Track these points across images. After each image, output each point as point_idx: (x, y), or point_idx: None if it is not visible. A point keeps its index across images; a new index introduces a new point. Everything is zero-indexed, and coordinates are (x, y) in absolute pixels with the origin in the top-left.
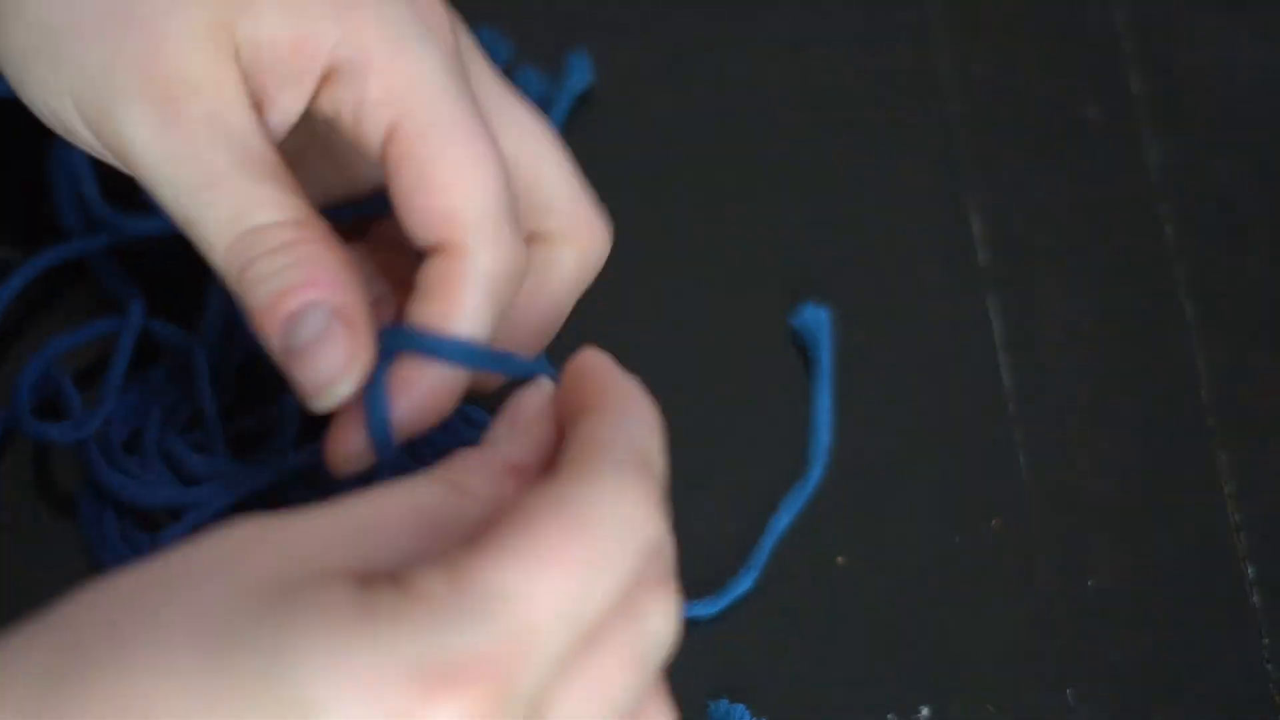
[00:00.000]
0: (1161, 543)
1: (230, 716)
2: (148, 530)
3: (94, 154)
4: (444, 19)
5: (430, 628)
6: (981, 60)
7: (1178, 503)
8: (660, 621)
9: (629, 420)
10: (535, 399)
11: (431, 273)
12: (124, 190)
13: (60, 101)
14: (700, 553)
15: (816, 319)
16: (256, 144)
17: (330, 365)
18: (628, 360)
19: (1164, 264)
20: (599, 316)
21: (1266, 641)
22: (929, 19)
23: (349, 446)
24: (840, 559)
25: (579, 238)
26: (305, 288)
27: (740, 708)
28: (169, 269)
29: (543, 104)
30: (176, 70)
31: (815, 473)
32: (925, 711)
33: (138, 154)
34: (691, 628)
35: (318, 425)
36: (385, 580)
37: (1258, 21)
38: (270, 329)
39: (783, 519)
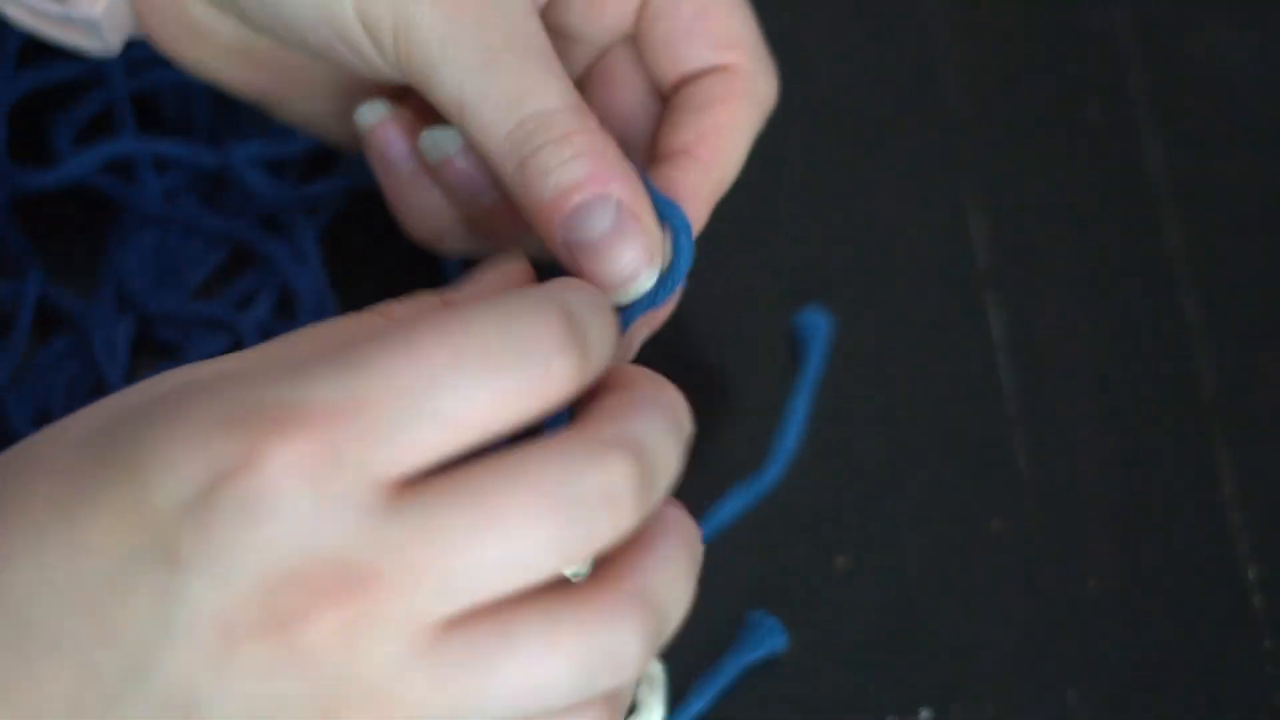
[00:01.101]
0: (1162, 544)
1: (79, 494)
2: None
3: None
4: None
5: (266, 384)
6: (981, 60)
7: (1178, 504)
8: (603, 470)
9: (574, 289)
10: (503, 260)
11: (709, 88)
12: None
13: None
14: None
15: (814, 323)
16: (533, 27)
17: (630, 261)
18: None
19: (1164, 264)
20: None
21: (1267, 644)
22: (929, 18)
23: None
24: (840, 559)
25: (758, 77)
26: (592, 181)
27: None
28: (65, 230)
29: None
30: None
31: (772, 472)
32: (925, 713)
33: (421, 38)
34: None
35: None
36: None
37: (1258, 21)
38: (553, 222)
39: (726, 509)
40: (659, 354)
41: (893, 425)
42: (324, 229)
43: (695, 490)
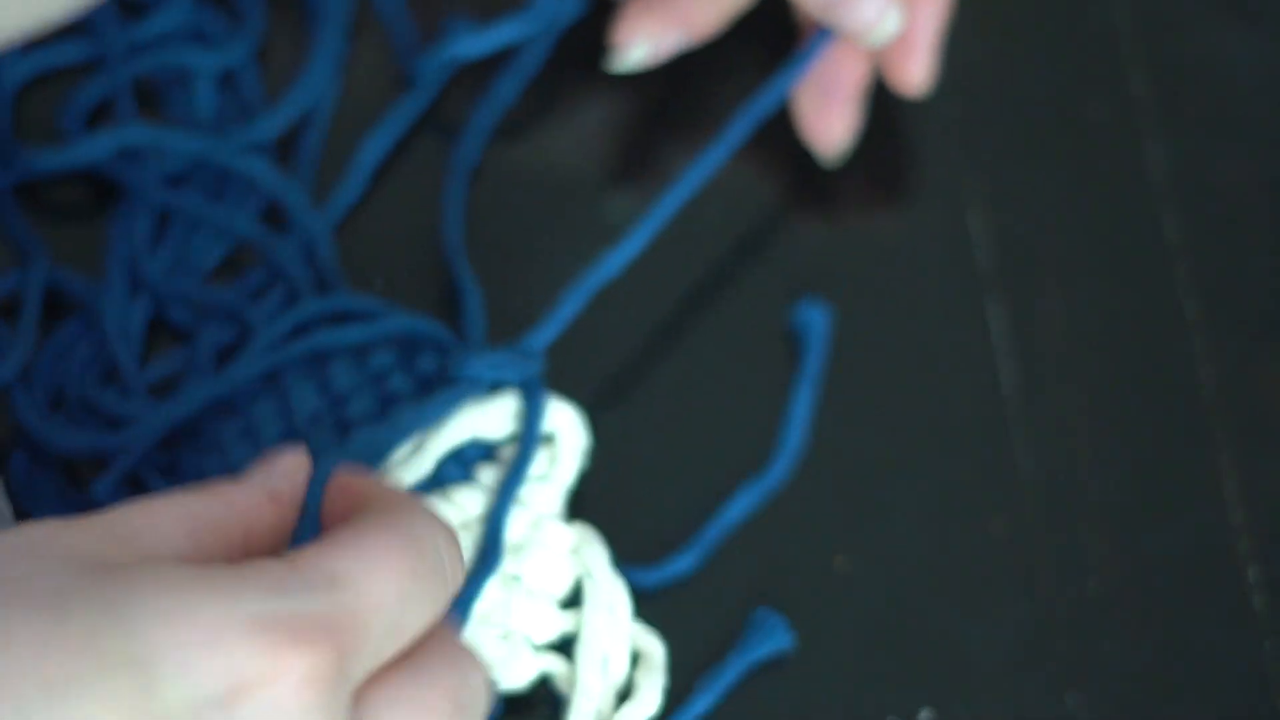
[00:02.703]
0: (1162, 545)
1: (65, 669)
2: (77, 488)
3: None
4: None
5: (270, 588)
6: (981, 59)
7: (1178, 504)
8: (477, 674)
9: (403, 511)
10: (293, 460)
11: None
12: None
13: None
14: (668, 538)
15: (813, 318)
16: None
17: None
18: (628, 358)
19: (1164, 264)
20: (602, 313)
21: (1268, 644)
22: None
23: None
24: (840, 559)
25: None
26: None
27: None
28: (73, 211)
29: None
30: None
31: (779, 467)
32: (925, 714)
33: None
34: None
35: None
36: (217, 563)
37: (1259, 21)
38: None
39: (735, 508)
40: (660, 355)
41: (893, 425)
42: (337, 222)
43: (701, 490)
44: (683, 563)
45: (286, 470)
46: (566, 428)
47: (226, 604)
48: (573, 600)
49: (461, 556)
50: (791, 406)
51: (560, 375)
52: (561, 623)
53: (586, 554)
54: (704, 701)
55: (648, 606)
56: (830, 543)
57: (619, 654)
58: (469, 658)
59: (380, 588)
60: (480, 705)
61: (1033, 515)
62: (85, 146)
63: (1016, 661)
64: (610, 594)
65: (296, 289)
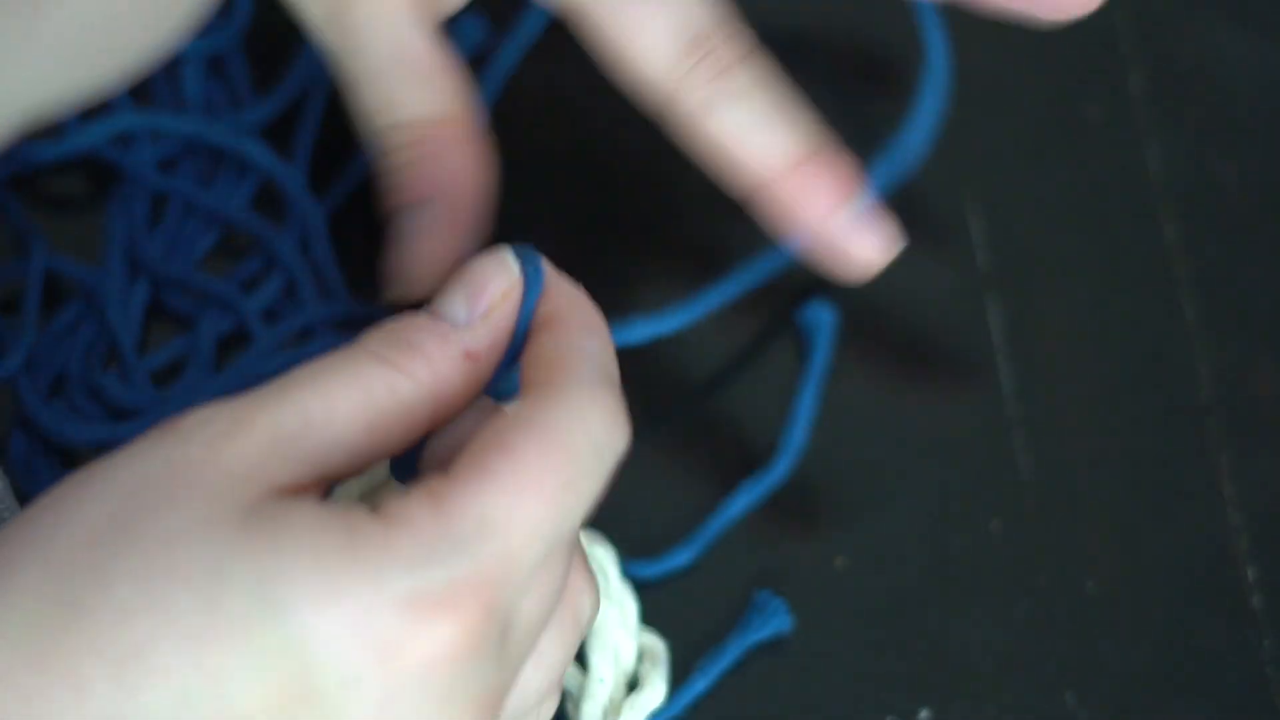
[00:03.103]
0: (1161, 545)
1: (224, 658)
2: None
3: None
4: None
5: (417, 558)
6: (981, 60)
7: (1177, 504)
8: (589, 597)
9: (588, 335)
10: (501, 281)
11: None
12: None
13: None
14: (671, 534)
15: (819, 317)
16: (414, 42)
17: (431, 257)
18: (633, 356)
19: (1164, 264)
20: (606, 312)
21: (1267, 644)
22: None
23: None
24: (840, 559)
25: None
26: (422, 185)
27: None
28: (69, 202)
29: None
30: None
31: (781, 465)
32: (925, 714)
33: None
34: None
35: (230, 351)
36: (367, 514)
37: (1258, 21)
38: (394, 210)
39: (736, 504)
40: (665, 352)
41: (893, 425)
42: (335, 212)
43: (705, 487)
44: (682, 557)
45: (489, 304)
46: None
47: (375, 583)
48: None
49: (621, 435)
50: (796, 405)
51: None
52: None
53: (597, 555)
54: (703, 682)
55: (649, 601)
56: (830, 543)
57: (628, 646)
58: (589, 578)
59: (531, 520)
60: (592, 613)
61: (1032, 515)
62: (81, 134)
63: (1016, 661)
64: (619, 591)
65: (293, 278)
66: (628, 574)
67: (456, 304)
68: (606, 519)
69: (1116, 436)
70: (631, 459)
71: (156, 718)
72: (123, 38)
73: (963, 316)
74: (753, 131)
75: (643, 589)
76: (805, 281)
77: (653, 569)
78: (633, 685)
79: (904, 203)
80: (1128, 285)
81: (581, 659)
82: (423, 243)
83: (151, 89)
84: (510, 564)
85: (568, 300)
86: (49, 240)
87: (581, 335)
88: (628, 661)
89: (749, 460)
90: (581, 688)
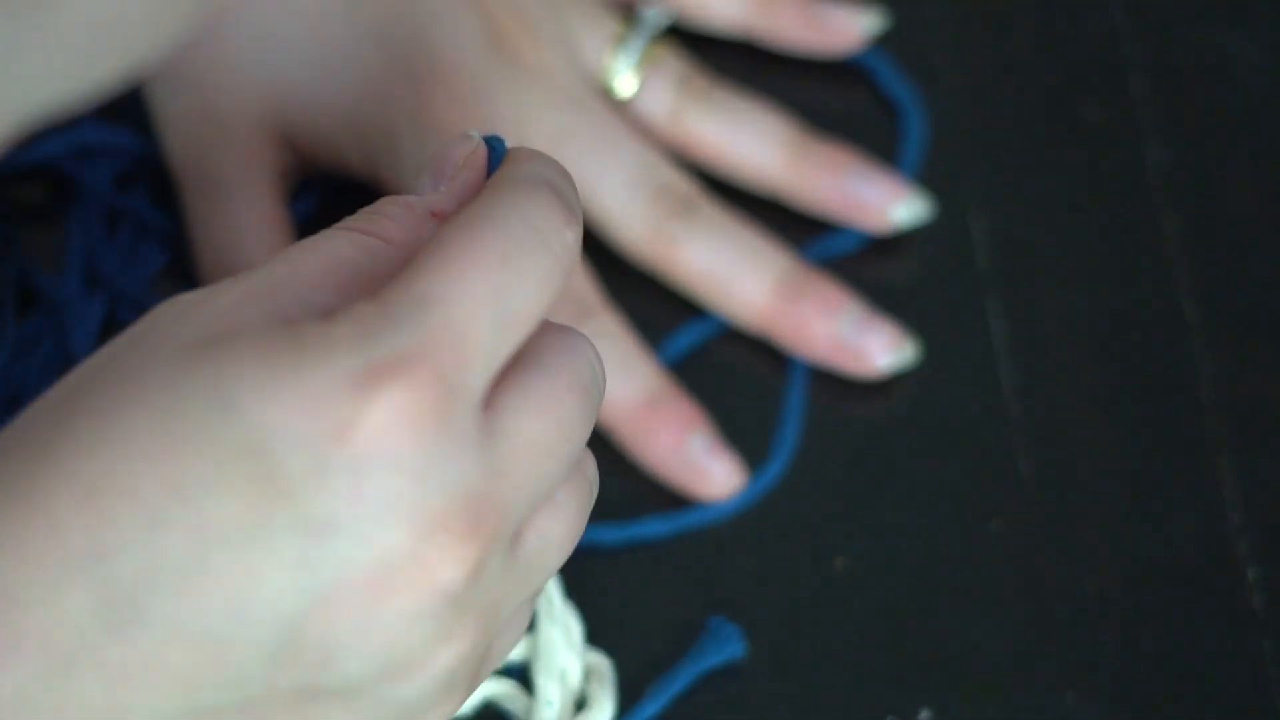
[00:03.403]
0: (1161, 545)
1: (186, 468)
2: None
3: None
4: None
5: (359, 338)
6: (981, 59)
7: (1178, 504)
8: (592, 352)
9: (538, 159)
10: (463, 149)
11: None
12: None
13: None
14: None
15: None
16: (264, 199)
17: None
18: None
19: (1164, 264)
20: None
21: (1267, 644)
22: (929, 19)
23: None
24: (840, 559)
25: None
26: None
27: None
28: (33, 210)
29: None
30: (217, 129)
31: (774, 466)
32: (925, 713)
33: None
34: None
35: None
36: (310, 317)
37: (1258, 21)
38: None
39: (731, 502)
40: (661, 351)
41: (893, 425)
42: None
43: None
44: (655, 527)
45: (453, 169)
46: None
47: (322, 367)
48: None
49: (563, 223)
50: (787, 400)
51: None
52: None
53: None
54: (652, 707)
55: (650, 600)
56: (830, 543)
57: (574, 667)
58: (580, 337)
59: (471, 292)
60: (601, 381)
61: (1032, 515)
62: (43, 145)
63: (1016, 661)
64: (563, 612)
65: None
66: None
67: (423, 180)
68: (597, 517)
69: (1116, 436)
70: (623, 461)
71: (134, 543)
72: (129, 39)
73: (963, 316)
74: (730, 266)
75: (640, 583)
76: None
77: (617, 532)
78: (580, 705)
79: None
80: (1128, 285)
81: (527, 682)
82: None
83: (117, 102)
84: (455, 331)
85: (533, 157)
86: (15, 247)
87: (534, 160)
88: (574, 682)
89: (752, 458)
90: (529, 710)
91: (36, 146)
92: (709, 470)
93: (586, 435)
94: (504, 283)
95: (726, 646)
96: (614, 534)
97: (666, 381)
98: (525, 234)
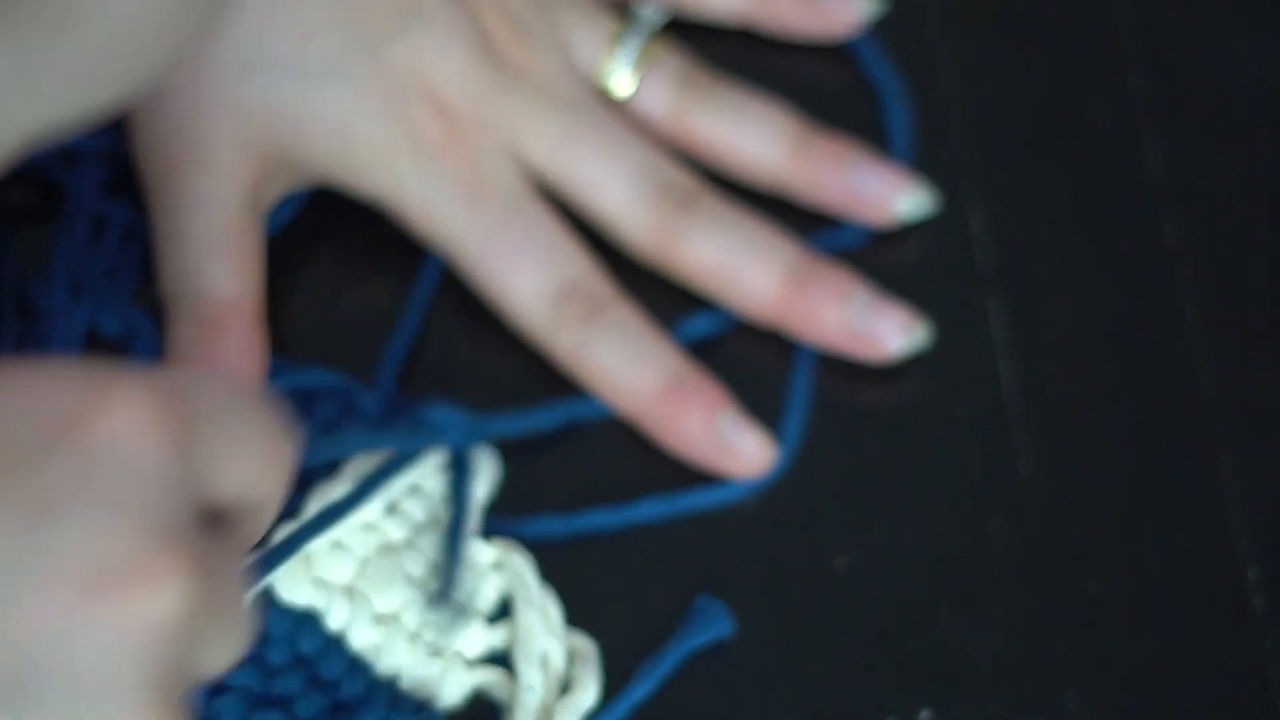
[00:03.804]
0: (1162, 545)
1: None
2: None
3: None
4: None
5: (104, 366)
6: (982, 58)
7: (1178, 505)
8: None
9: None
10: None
11: None
12: None
13: None
14: None
15: None
16: (233, 220)
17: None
18: None
19: (1164, 264)
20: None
21: (1268, 645)
22: (928, 17)
23: None
24: (840, 560)
25: None
26: (199, 365)
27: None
28: (19, 211)
29: None
30: (192, 146)
31: (781, 457)
32: (925, 714)
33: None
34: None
35: None
36: None
37: (1258, 21)
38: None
39: (735, 488)
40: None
41: (893, 425)
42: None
43: (707, 476)
44: (649, 509)
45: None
46: (482, 462)
47: (62, 367)
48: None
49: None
50: (792, 389)
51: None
52: (490, 637)
53: (513, 563)
54: (642, 688)
55: (650, 600)
56: (830, 543)
57: (555, 651)
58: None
59: (218, 387)
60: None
61: (1033, 515)
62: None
63: (1016, 661)
64: (540, 597)
65: None
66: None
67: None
68: (591, 506)
69: (1117, 436)
70: (633, 454)
71: None
72: (138, 56)
73: (963, 316)
74: (623, 368)
75: (639, 579)
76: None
77: (620, 515)
78: (566, 688)
79: None
80: (1128, 284)
81: (511, 667)
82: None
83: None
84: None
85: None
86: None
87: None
88: (557, 666)
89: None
90: (512, 697)
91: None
92: (741, 447)
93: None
94: (239, 405)
95: (714, 625)
96: (611, 518)
97: (688, 364)
98: (260, 404)
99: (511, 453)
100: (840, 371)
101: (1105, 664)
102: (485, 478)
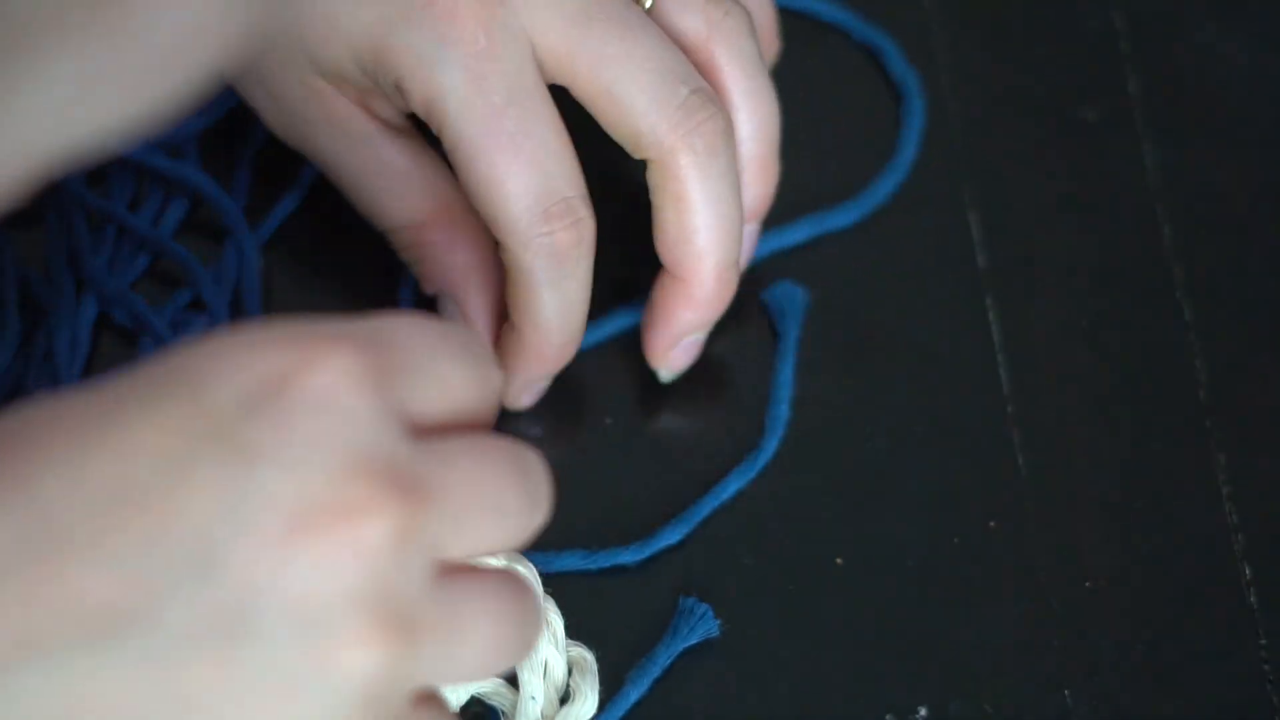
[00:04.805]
0: (1159, 543)
1: (117, 396)
2: None
3: None
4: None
5: (300, 324)
6: (980, 60)
7: (1175, 503)
8: (535, 461)
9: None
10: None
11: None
12: None
13: None
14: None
15: (788, 295)
16: (378, 153)
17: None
18: (601, 348)
19: (1162, 265)
20: (602, 299)
21: (1264, 641)
22: (928, 19)
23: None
24: (839, 559)
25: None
26: (432, 282)
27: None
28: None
29: None
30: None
31: (770, 444)
32: (923, 712)
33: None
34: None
35: None
36: None
37: (1256, 23)
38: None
39: (730, 486)
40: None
41: (892, 424)
42: (270, 238)
43: (694, 472)
44: (670, 536)
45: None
46: None
47: (261, 331)
48: None
49: (494, 372)
50: (775, 382)
51: None
52: None
53: (520, 572)
54: (635, 692)
55: (650, 601)
56: (830, 542)
57: (557, 660)
58: (527, 451)
59: (412, 327)
60: (543, 487)
61: (1030, 514)
62: None
63: (1014, 659)
64: (545, 607)
65: (219, 317)
66: (613, 564)
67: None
68: (590, 505)
69: (1115, 436)
70: (617, 445)
71: (58, 465)
72: (197, 55)
73: (963, 316)
74: (554, 317)
75: (633, 578)
76: (802, 281)
77: (640, 553)
78: (564, 699)
79: (904, 202)
80: (1126, 286)
81: (512, 678)
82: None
83: None
84: (392, 338)
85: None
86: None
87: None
88: (558, 676)
89: (743, 444)
90: (514, 706)
91: None
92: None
93: (519, 515)
94: (437, 349)
95: (701, 625)
96: (590, 562)
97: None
98: (458, 339)
99: None
100: (842, 371)
101: (1102, 662)
102: None
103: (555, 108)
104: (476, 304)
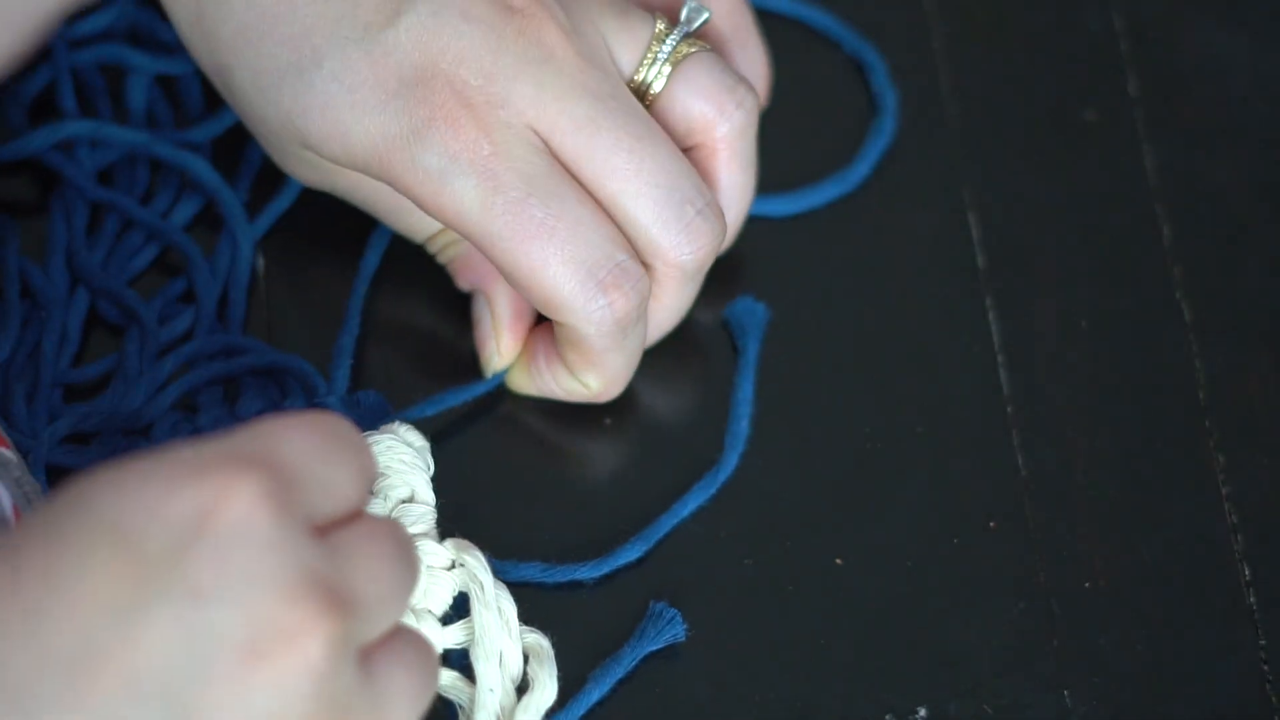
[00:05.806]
0: (1158, 543)
1: (54, 556)
2: None
3: None
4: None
5: (196, 445)
6: (980, 61)
7: (1174, 504)
8: (407, 540)
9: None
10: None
11: None
12: None
13: None
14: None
15: (749, 311)
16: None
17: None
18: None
19: (1161, 265)
20: None
21: (1263, 641)
22: (928, 20)
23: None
24: (839, 559)
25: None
26: (464, 282)
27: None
28: (15, 202)
29: None
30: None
31: (730, 461)
32: (922, 712)
33: None
34: (689, 634)
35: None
36: None
37: (1255, 24)
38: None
39: (690, 503)
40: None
41: (892, 425)
42: (268, 235)
43: (659, 486)
44: (630, 553)
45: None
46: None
47: (164, 463)
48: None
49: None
50: (735, 399)
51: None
52: (446, 637)
53: (468, 562)
54: (597, 692)
55: (647, 601)
56: (829, 542)
57: (512, 650)
58: (396, 529)
59: (297, 438)
60: (415, 565)
61: (1030, 514)
62: (28, 139)
63: (1013, 659)
64: (495, 596)
65: (206, 308)
66: (571, 578)
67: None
68: (549, 519)
69: (1114, 436)
70: (579, 462)
71: (16, 634)
72: None
73: (963, 316)
74: (631, 363)
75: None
76: (801, 281)
77: (598, 569)
78: (523, 689)
79: (904, 202)
80: (1126, 286)
81: (468, 670)
82: (480, 328)
83: (94, 102)
84: (284, 450)
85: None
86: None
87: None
88: (514, 666)
89: (693, 462)
90: (472, 699)
91: (21, 141)
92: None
93: (410, 585)
94: (320, 447)
95: (668, 630)
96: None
97: None
98: (343, 435)
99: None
100: (841, 371)
101: (1102, 662)
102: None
103: (574, 179)
104: (505, 301)
